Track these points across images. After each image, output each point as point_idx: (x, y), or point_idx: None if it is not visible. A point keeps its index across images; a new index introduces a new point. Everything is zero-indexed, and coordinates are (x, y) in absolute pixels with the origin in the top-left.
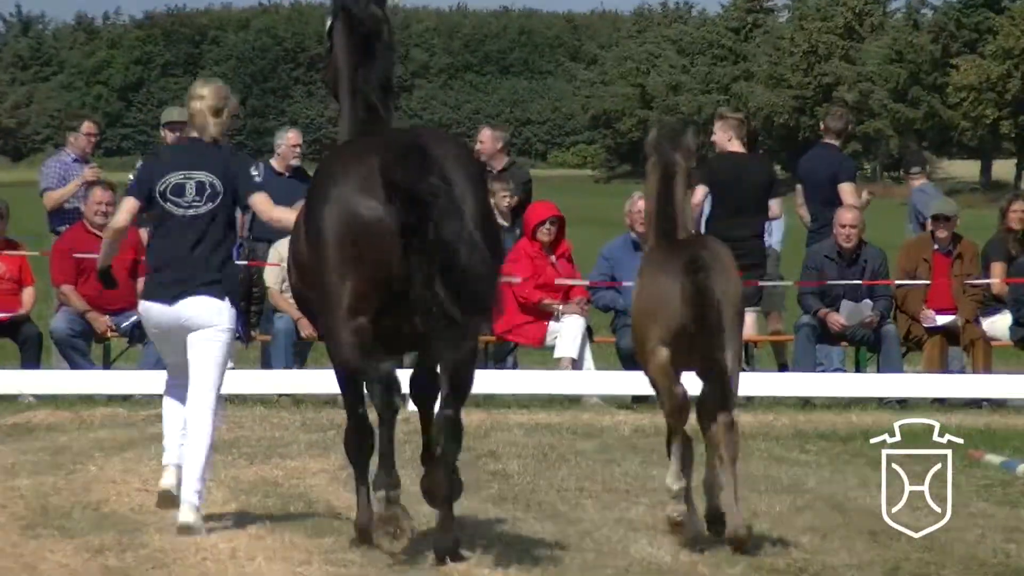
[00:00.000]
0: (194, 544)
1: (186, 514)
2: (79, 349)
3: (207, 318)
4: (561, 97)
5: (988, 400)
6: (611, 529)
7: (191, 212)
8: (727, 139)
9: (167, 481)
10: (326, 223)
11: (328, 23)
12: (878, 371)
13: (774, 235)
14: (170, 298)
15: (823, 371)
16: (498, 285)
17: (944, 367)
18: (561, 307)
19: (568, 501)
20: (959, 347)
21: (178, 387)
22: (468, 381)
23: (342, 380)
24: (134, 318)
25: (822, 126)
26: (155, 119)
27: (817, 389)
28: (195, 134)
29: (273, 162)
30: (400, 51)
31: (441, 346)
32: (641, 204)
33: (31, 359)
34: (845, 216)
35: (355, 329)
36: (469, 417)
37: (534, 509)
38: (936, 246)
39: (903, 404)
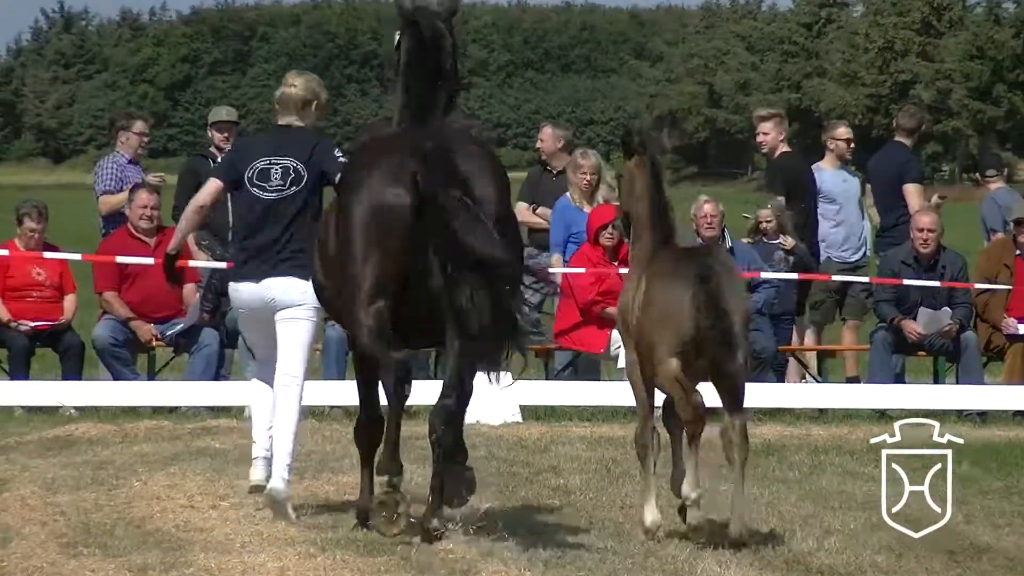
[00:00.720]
0: (241, 563)
1: (276, 481)
2: (122, 359)
3: (293, 297)
4: (625, 96)
5: None
6: (677, 547)
7: (276, 196)
8: (781, 138)
9: (257, 475)
10: (353, 208)
11: (396, 37)
12: (957, 382)
13: (867, 242)
14: (257, 278)
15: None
16: (519, 284)
17: None
18: None
19: (632, 518)
20: None
21: (265, 370)
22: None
23: (360, 372)
24: (180, 326)
25: (895, 124)
26: (202, 119)
27: (894, 401)
28: (283, 121)
29: None
30: (462, 61)
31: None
32: (708, 208)
33: (72, 369)
34: (923, 220)
35: (374, 312)
36: (529, 430)
37: (597, 526)
38: (1018, 251)
39: (983, 417)
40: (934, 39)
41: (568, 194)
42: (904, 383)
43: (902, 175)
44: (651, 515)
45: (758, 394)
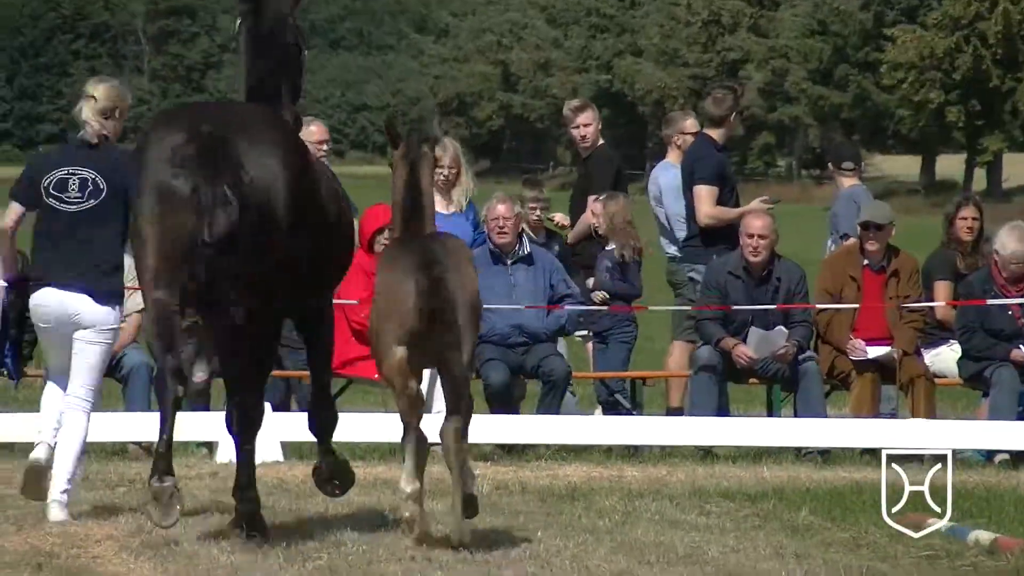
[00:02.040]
0: None
1: (56, 513)
2: None
3: (93, 316)
4: (405, 77)
5: (931, 451)
6: None
7: (75, 208)
8: (598, 128)
9: (37, 454)
10: (139, 192)
11: (236, 23)
12: (795, 415)
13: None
14: (57, 291)
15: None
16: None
17: (876, 410)
18: None
19: (413, 573)
20: (895, 385)
21: (59, 380)
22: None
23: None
24: None
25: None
26: None
27: (720, 437)
28: (83, 133)
29: None
30: (305, 53)
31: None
32: (501, 209)
33: None
34: (753, 224)
35: (155, 300)
36: (292, 471)
37: None
38: (866, 261)
39: (826, 456)
40: (768, 11)
41: None
42: (731, 415)
43: (693, 174)
44: (408, 483)
45: (561, 429)
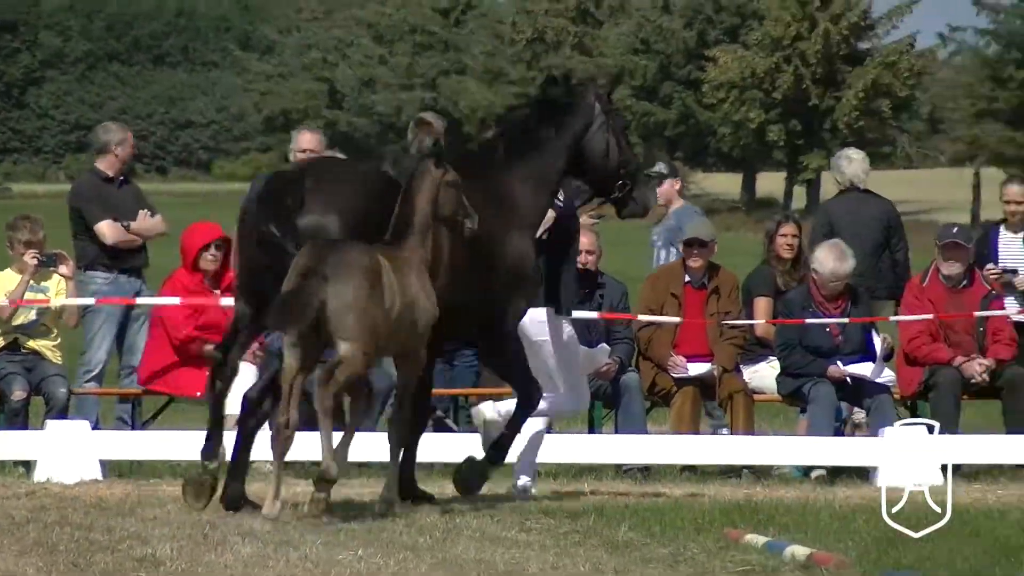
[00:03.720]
0: None
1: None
2: None
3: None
4: (229, 94)
5: (749, 467)
6: None
7: None
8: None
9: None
10: None
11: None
12: (616, 431)
13: None
14: None
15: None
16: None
17: (696, 426)
18: None
19: None
20: (715, 401)
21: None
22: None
23: None
24: None
25: None
26: None
27: (541, 453)
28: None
29: None
30: (594, 131)
31: None
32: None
33: None
34: (580, 241)
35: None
36: (111, 489)
37: None
38: (688, 278)
39: (647, 472)
40: (593, 29)
41: None
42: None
43: None
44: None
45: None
